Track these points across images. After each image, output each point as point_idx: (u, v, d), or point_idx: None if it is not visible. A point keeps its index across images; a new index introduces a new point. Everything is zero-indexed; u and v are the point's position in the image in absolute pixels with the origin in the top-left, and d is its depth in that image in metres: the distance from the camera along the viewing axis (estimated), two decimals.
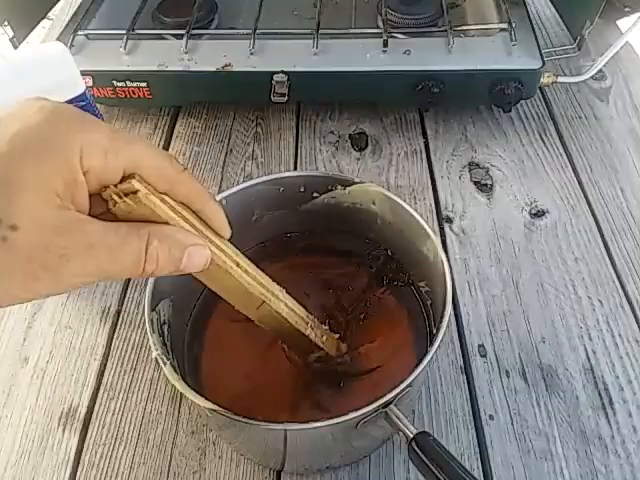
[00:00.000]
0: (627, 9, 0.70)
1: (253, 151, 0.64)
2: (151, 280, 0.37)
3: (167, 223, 0.26)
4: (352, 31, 0.65)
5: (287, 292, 0.36)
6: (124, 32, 0.63)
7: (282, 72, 0.60)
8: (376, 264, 0.46)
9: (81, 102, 0.48)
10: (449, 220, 0.56)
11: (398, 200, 0.42)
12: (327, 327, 0.40)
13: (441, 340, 0.34)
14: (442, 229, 0.55)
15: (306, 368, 0.40)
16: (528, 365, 0.45)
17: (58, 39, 0.63)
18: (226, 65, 0.61)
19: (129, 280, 0.53)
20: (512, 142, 0.63)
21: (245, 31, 0.63)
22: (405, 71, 0.60)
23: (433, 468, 0.31)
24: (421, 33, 0.63)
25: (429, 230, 0.40)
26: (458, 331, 0.48)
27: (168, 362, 0.34)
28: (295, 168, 0.62)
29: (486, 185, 0.59)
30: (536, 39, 0.62)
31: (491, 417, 0.43)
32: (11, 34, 0.60)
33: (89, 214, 0.24)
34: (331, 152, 0.63)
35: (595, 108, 0.66)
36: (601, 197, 0.57)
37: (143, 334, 0.49)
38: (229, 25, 0.68)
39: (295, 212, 0.45)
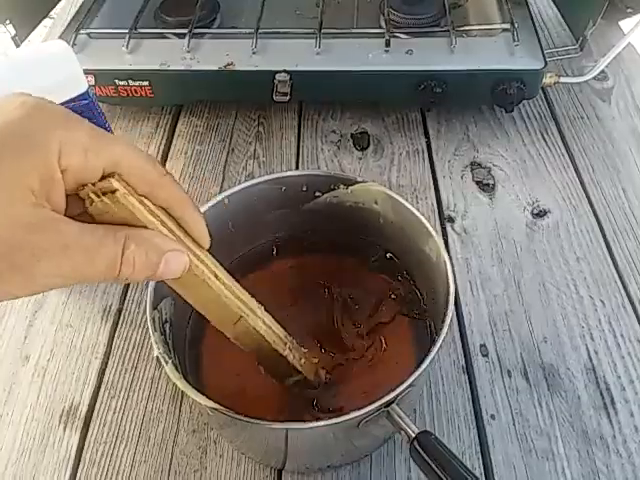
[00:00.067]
0: (629, 10, 0.70)
1: (255, 150, 0.64)
2: None
3: (145, 227, 0.25)
4: (354, 31, 0.65)
5: (266, 309, 0.34)
6: (126, 31, 0.63)
7: (284, 71, 0.60)
8: (378, 263, 0.46)
9: (84, 101, 0.48)
10: (451, 220, 0.56)
11: (400, 199, 0.42)
12: (307, 350, 0.38)
13: (443, 340, 0.34)
14: (444, 229, 0.55)
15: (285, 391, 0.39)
16: (530, 365, 0.45)
17: (60, 38, 0.63)
18: (228, 64, 0.61)
19: None
20: (514, 142, 0.63)
21: (247, 30, 0.63)
22: (407, 71, 0.60)
23: (435, 467, 0.31)
24: (423, 33, 0.63)
25: (431, 230, 0.40)
26: (460, 331, 0.48)
27: (170, 361, 0.34)
28: (297, 167, 0.62)
29: (488, 185, 0.59)
30: (538, 39, 0.62)
31: (493, 417, 0.43)
32: (13, 32, 0.61)
33: (65, 215, 0.23)
34: (333, 151, 0.63)
35: (597, 108, 0.66)
36: (603, 197, 0.57)
37: (144, 333, 0.49)
38: (231, 24, 0.68)
39: (297, 211, 0.45)
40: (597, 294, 0.50)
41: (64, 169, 0.23)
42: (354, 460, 0.41)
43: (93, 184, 0.24)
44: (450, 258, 0.38)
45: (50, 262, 0.22)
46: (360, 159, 0.62)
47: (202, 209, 0.41)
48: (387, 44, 0.61)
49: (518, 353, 0.46)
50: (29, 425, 0.44)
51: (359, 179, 0.43)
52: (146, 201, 0.26)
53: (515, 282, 0.51)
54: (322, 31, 0.62)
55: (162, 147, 0.65)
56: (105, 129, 0.33)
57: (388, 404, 0.32)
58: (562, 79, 0.63)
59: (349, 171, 0.61)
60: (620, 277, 0.51)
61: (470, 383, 0.45)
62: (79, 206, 0.25)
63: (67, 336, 0.49)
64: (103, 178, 0.24)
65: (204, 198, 0.59)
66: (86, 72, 0.48)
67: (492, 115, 0.66)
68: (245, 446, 0.42)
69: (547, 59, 0.60)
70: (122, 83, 0.62)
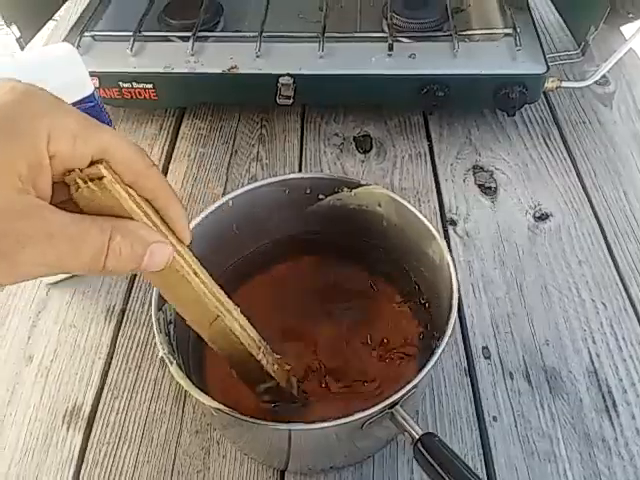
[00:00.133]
0: (631, 15, 0.70)
1: (258, 153, 0.64)
2: None
3: (129, 217, 0.25)
4: (357, 35, 0.66)
5: (241, 312, 0.34)
6: (131, 34, 0.63)
7: (288, 75, 0.60)
8: (381, 265, 0.46)
9: (89, 103, 0.48)
10: (453, 223, 0.56)
11: (404, 202, 0.42)
12: (279, 356, 0.38)
13: (447, 342, 0.34)
14: (446, 232, 0.55)
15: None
16: (532, 367, 0.46)
17: (65, 40, 0.63)
18: (232, 67, 0.61)
19: (134, 279, 0.53)
20: (516, 146, 0.63)
21: (251, 34, 0.64)
22: (410, 75, 0.60)
23: (439, 469, 0.31)
24: (426, 37, 0.64)
25: (435, 232, 0.40)
26: (462, 333, 0.48)
27: (174, 361, 0.34)
28: (300, 170, 0.62)
29: (490, 188, 0.59)
30: (540, 44, 0.62)
31: (495, 419, 0.43)
32: (18, 35, 0.61)
33: (50, 203, 0.23)
34: (335, 154, 0.64)
35: (599, 113, 0.67)
36: (604, 201, 0.57)
37: (148, 333, 0.49)
38: (235, 28, 0.69)
39: (301, 214, 0.46)
40: (599, 297, 0.50)
41: (52, 155, 0.23)
42: (357, 461, 0.41)
43: (80, 170, 0.24)
44: (453, 260, 0.38)
45: (35, 250, 0.22)
46: (363, 162, 0.63)
47: (207, 211, 0.41)
48: (390, 48, 0.61)
49: (520, 355, 0.46)
50: (32, 425, 0.44)
51: (363, 182, 0.43)
52: (132, 191, 0.26)
53: (517, 285, 0.51)
54: (325, 35, 0.62)
55: (166, 149, 0.65)
56: None
57: (392, 405, 0.32)
58: (564, 84, 0.63)
59: (352, 174, 0.61)
60: (622, 280, 0.51)
61: (472, 385, 0.45)
62: (64, 193, 0.24)
63: (70, 336, 0.49)
64: (91, 165, 0.24)
65: (207, 200, 0.60)
66: (90, 74, 0.48)
67: (494, 119, 0.66)
68: (248, 447, 0.42)
69: (549, 64, 0.60)
70: (126, 85, 0.62)
